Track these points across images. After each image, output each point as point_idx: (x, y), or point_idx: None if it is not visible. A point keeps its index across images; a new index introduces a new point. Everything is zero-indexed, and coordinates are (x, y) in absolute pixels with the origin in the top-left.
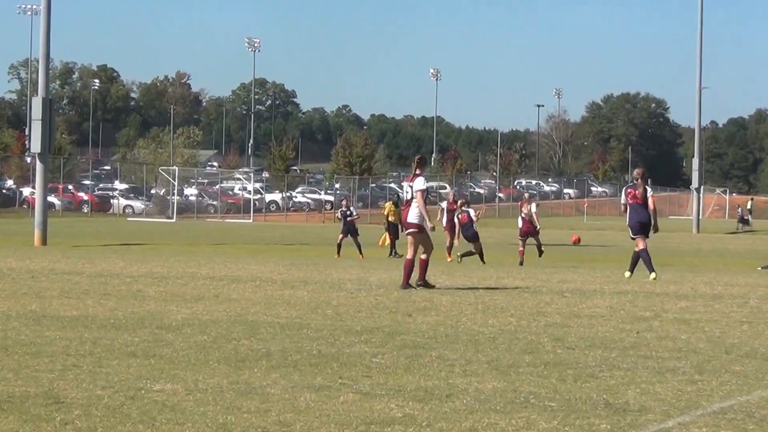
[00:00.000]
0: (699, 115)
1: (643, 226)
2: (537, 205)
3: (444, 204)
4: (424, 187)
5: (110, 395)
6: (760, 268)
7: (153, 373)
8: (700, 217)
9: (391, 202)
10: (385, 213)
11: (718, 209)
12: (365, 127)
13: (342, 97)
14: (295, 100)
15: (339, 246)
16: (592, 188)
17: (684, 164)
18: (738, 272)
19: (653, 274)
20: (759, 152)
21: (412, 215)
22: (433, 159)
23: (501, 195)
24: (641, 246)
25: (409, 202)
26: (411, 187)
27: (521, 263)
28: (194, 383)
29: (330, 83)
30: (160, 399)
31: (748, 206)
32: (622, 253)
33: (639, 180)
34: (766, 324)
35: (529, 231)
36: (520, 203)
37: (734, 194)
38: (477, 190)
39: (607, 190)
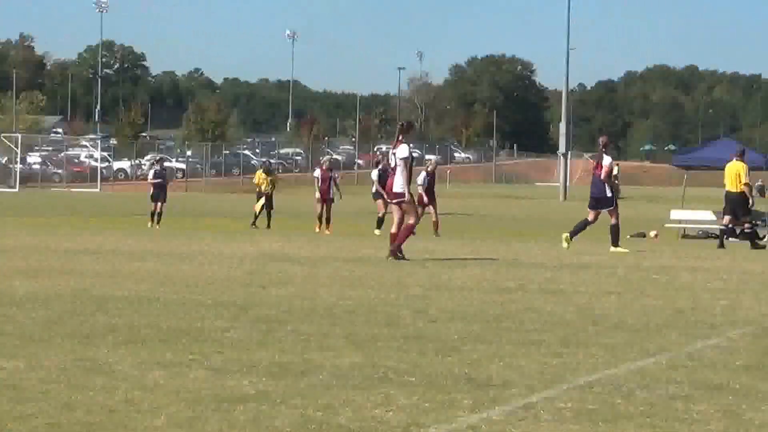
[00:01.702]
0: (567, 78)
1: (596, 201)
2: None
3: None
4: (408, 155)
5: None
6: (628, 237)
7: None
8: (568, 184)
9: (261, 170)
10: (256, 182)
11: (586, 175)
12: (218, 92)
13: (194, 60)
14: (144, 63)
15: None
16: (456, 154)
17: (551, 128)
18: (606, 241)
19: (615, 248)
20: (628, 116)
21: (397, 184)
22: (288, 124)
23: (360, 161)
24: (590, 218)
25: (394, 170)
26: (394, 154)
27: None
28: (37, 360)
29: (181, 45)
30: (1, 377)
31: (615, 172)
32: (487, 221)
33: (600, 148)
34: (635, 295)
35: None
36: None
37: None
38: (335, 156)
39: (470, 156)
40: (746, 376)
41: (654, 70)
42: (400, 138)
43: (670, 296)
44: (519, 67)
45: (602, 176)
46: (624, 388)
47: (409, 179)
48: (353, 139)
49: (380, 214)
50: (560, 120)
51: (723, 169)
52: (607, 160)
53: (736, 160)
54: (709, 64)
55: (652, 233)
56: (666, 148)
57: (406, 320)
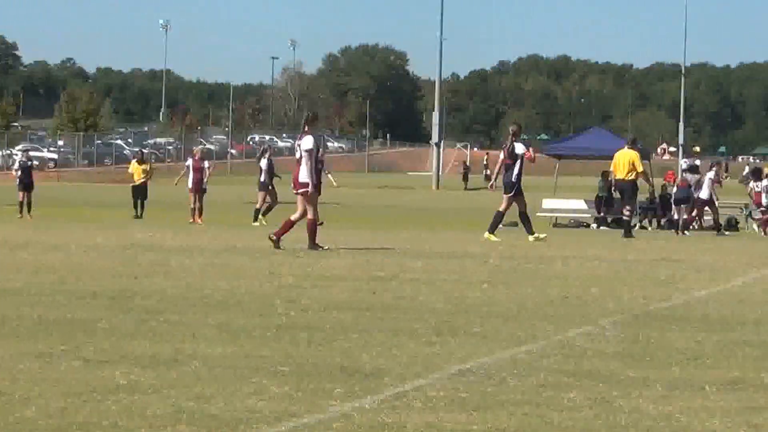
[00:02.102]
0: (440, 68)
1: (507, 187)
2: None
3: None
4: (312, 147)
5: None
6: (501, 226)
7: None
8: (441, 173)
9: (135, 160)
10: (131, 171)
11: (458, 164)
12: (90, 81)
13: (66, 50)
14: (16, 52)
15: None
16: (329, 143)
17: (424, 118)
18: (478, 230)
19: (489, 235)
20: (501, 106)
21: (303, 175)
22: (161, 114)
23: (233, 151)
24: (502, 207)
25: (299, 161)
26: (299, 145)
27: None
28: None
29: (54, 35)
30: None
31: (485, 161)
32: (359, 211)
33: (510, 137)
34: (506, 283)
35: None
36: None
37: (476, 149)
38: (208, 146)
39: (344, 146)
40: (617, 364)
41: (526, 59)
42: (306, 129)
43: (542, 285)
44: (392, 57)
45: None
46: (496, 376)
47: (315, 170)
48: (226, 129)
49: (258, 206)
50: (433, 110)
51: (596, 158)
52: (520, 147)
53: (628, 148)
54: (581, 54)
55: None
56: (538, 138)
57: (278, 310)
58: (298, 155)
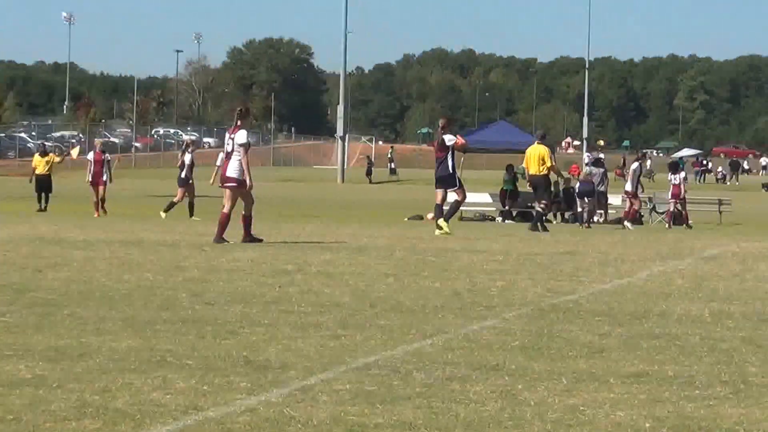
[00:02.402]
0: (344, 61)
1: (440, 180)
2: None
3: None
4: (246, 141)
5: None
6: (406, 219)
7: None
8: (346, 167)
9: (38, 153)
10: (34, 164)
11: (363, 158)
12: None
13: None
14: None
15: None
16: None
17: (329, 112)
18: (384, 223)
19: (440, 229)
20: (406, 99)
21: (232, 169)
22: (65, 107)
23: (138, 144)
24: (437, 199)
25: (229, 155)
26: (233, 139)
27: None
28: None
29: None
30: None
31: (389, 155)
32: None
33: (439, 130)
34: (412, 277)
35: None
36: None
37: (380, 142)
38: (113, 139)
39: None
40: (522, 357)
41: (431, 53)
42: (239, 123)
43: (447, 278)
44: (297, 50)
45: (464, 147)
46: (401, 369)
47: (248, 165)
48: (130, 122)
49: (176, 200)
50: (338, 103)
51: (501, 151)
52: (449, 139)
53: (538, 143)
54: (485, 48)
55: (430, 215)
56: None
57: (183, 303)
58: (230, 148)
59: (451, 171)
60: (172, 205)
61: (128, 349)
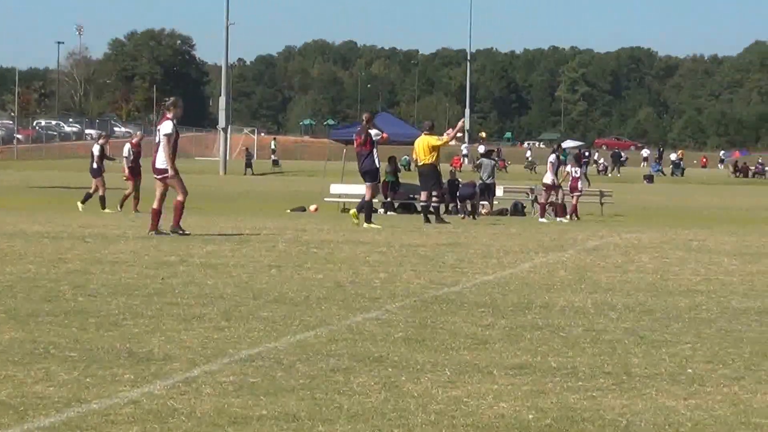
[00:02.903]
0: (226, 53)
1: (366, 174)
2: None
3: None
4: (171, 132)
5: None
6: (289, 211)
7: None
8: (228, 159)
9: None
10: None
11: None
12: None
13: None
14: None
15: None
16: (116, 128)
17: (211, 103)
18: (266, 215)
19: (368, 225)
20: (288, 91)
21: (160, 160)
22: None
23: (19, 136)
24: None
25: (157, 147)
26: (159, 130)
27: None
28: None
29: None
30: None
31: (272, 146)
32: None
33: (364, 124)
34: (295, 268)
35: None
36: None
37: (263, 134)
38: None
39: (131, 131)
40: (405, 348)
41: (313, 45)
42: (168, 115)
43: (331, 270)
44: (178, 42)
45: (371, 150)
46: (285, 361)
47: (173, 155)
48: (12, 114)
49: (98, 192)
50: (220, 95)
51: (382, 143)
52: (377, 133)
53: (425, 134)
54: (367, 40)
55: (312, 207)
56: (325, 123)
57: (66, 295)
58: (157, 140)
59: (378, 166)
60: (89, 196)
61: (11, 341)
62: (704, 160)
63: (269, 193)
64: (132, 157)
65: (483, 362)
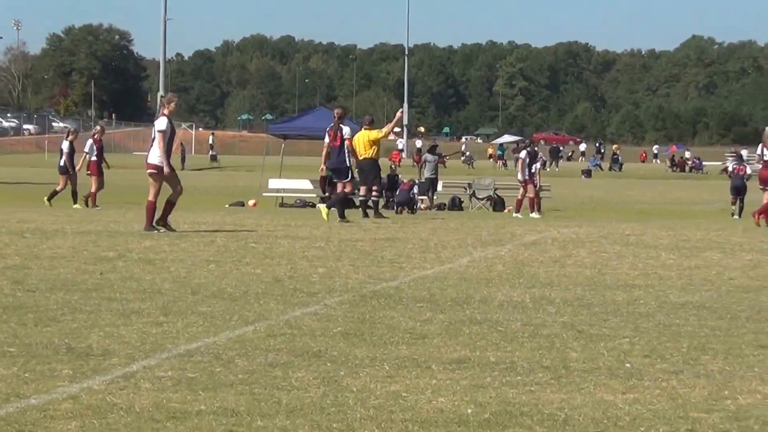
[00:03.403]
0: (164, 48)
1: (337, 171)
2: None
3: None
4: (165, 128)
5: None
6: (227, 206)
7: None
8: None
9: None
10: None
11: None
12: None
13: None
14: None
15: None
16: (54, 124)
17: (150, 98)
18: (205, 210)
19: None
20: (226, 86)
21: (153, 156)
22: None
23: None
24: (338, 189)
25: (152, 142)
26: (154, 126)
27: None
28: None
29: None
30: None
31: (210, 141)
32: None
33: (336, 120)
34: (233, 263)
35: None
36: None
37: (201, 129)
38: None
39: (69, 126)
40: (344, 343)
41: (251, 39)
42: (164, 111)
43: (269, 264)
44: (117, 37)
45: (341, 145)
46: (224, 356)
47: (169, 152)
48: None
49: (58, 188)
50: (158, 90)
51: (321, 138)
52: (346, 130)
53: (365, 129)
54: (304, 34)
55: (251, 202)
56: (263, 118)
57: (5, 290)
58: (152, 135)
59: (348, 164)
60: (55, 193)
61: None
62: (643, 155)
63: (208, 188)
64: (96, 153)
65: (421, 357)
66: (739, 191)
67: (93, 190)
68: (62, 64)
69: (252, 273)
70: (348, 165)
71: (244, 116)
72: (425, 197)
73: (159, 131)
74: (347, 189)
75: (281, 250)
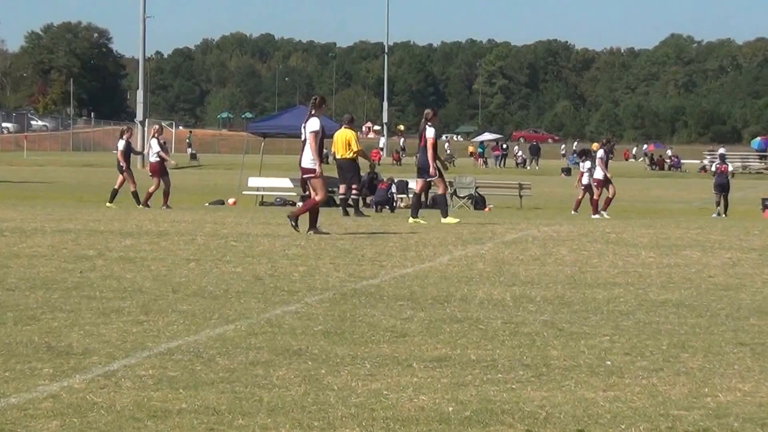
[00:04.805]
0: (143, 46)
1: (420, 170)
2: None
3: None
4: (318, 129)
5: None
6: (207, 204)
7: None
8: (145, 152)
9: None
10: None
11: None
12: None
13: None
14: None
15: None
16: (33, 122)
17: (129, 96)
18: (184, 209)
19: (414, 219)
20: (206, 84)
21: (306, 160)
22: None
23: None
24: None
25: (304, 144)
26: (305, 128)
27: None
28: None
29: None
30: None
31: (188, 140)
32: (63, 188)
33: (424, 121)
34: (214, 262)
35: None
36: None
37: (180, 127)
38: None
39: (48, 124)
40: (325, 341)
41: (230, 37)
42: (312, 112)
43: (249, 263)
44: (95, 35)
45: (425, 145)
46: (204, 354)
47: (320, 153)
48: None
49: (117, 186)
50: (137, 88)
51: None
52: (430, 131)
53: (345, 127)
54: (284, 32)
55: (231, 200)
56: (243, 116)
57: None
58: (303, 137)
59: (429, 163)
60: (134, 194)
61: None
62: (626, 153)
63: (187, 187)
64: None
65: (402, 355)
66: (722, 189)
67: (150, 189)
68: (41, 62)
69: (233, 271)
70: (427, 165)
71: (224, 114)
72: (404, 196)
73: (312, 132)
74: (436, 189)
75: (262, 249)
